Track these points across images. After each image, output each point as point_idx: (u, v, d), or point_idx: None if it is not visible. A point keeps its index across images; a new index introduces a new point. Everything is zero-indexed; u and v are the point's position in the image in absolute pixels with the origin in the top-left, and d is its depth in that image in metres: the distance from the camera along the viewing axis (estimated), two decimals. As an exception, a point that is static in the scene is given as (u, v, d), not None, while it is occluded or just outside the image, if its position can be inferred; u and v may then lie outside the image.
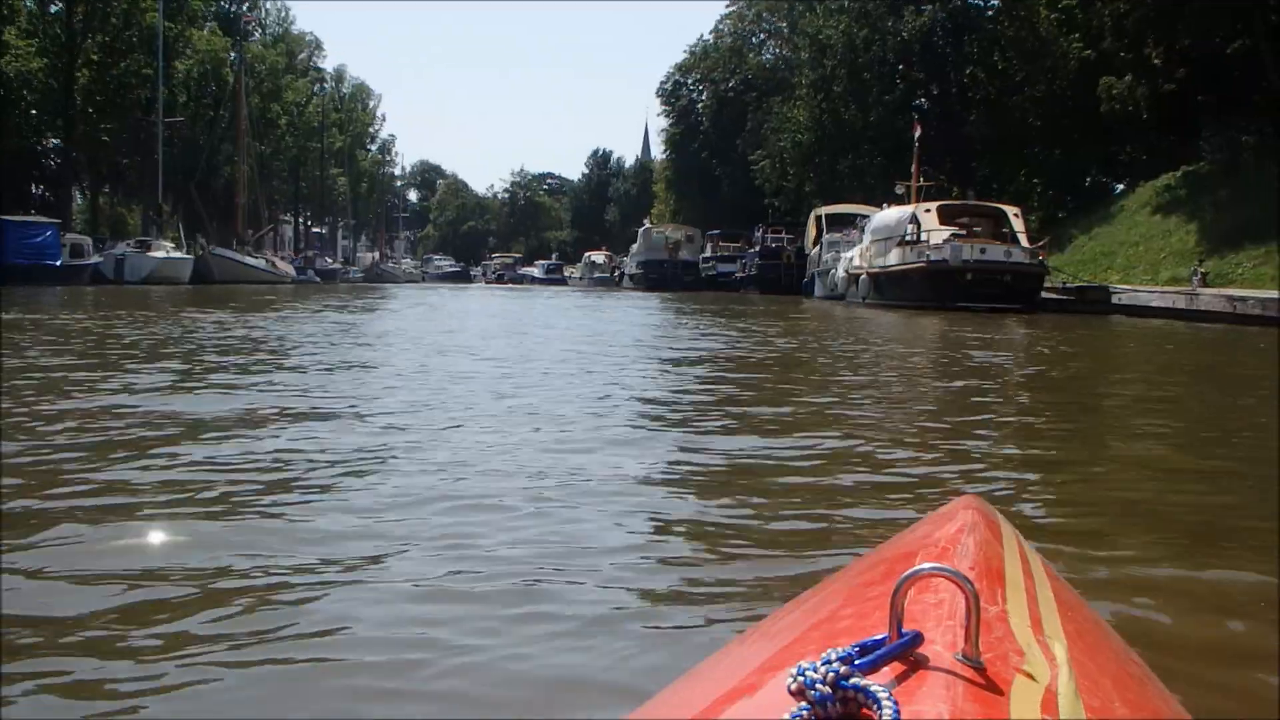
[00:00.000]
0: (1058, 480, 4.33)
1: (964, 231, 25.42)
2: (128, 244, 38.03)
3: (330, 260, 67.74)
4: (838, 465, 4.38)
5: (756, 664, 0.81)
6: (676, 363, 9.96)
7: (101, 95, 41.71)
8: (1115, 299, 23.60)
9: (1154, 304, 21.94)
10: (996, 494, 3.73)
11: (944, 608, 0.76)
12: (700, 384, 8.14)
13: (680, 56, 73.70)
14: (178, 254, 38.95)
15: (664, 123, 74.27)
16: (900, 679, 0.68)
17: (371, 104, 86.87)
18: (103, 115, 41.94)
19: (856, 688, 0.65)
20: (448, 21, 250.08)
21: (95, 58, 41.53)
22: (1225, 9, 27.26)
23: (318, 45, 72.56)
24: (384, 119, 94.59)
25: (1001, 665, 0.71)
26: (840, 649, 0.69)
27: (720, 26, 71.57)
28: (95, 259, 35.04)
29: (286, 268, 50.70)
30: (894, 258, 26.40)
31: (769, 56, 68.90)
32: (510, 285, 69.15)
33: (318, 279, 54.22)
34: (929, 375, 9.54)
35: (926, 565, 0.75)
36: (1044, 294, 24.73)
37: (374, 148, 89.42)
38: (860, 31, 45.30)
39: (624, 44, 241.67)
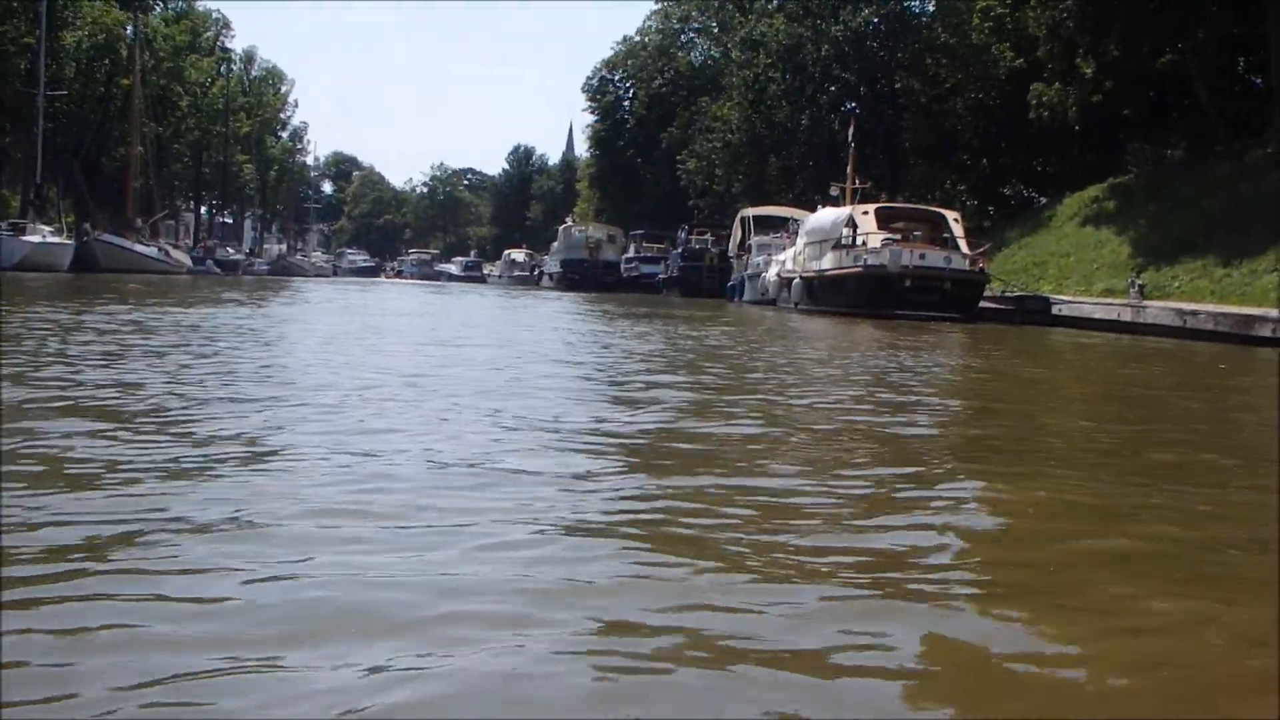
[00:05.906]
0: None
1: (900, 236, 24.30)
2: (-1, 226, 34.69)
3: (233, 251, 64.17)
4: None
5: None
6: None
7: (-25, 64, 38.21)
8: (1055, 310, 22.67)
9: (1097, 316, 21.01)
10: None
11: None
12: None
13: (607, 53, 72.23)
14: (56, 239, 35.77)
15: (589, 119, 72.61)
16: None
17: (284, 89, 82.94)
18: (-24, 85, 38.44)
19: None
20: (368, 13, 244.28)
21: (-32, 22, 38.02)
22: (1158, 20, 26.77)
23: (225, 24, 68.87)
24: (296, 105, 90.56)
25: None
26: None
27: (647, 25, 70.19)
28: (-43, 243, 31.68)
29: (182, 257, 47.52)
30: (829, 261, 25.06)
31: (698, 56, 67.73)
32: (417, 281, 66.55)
33: (218, 270, 51.01)
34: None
35: None
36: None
37: (285, 135, 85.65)
38: (798, 29, 44.35)
39: (550, 40, 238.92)
